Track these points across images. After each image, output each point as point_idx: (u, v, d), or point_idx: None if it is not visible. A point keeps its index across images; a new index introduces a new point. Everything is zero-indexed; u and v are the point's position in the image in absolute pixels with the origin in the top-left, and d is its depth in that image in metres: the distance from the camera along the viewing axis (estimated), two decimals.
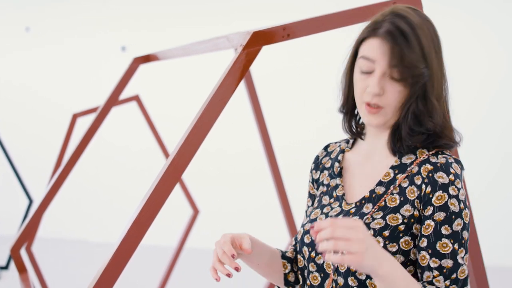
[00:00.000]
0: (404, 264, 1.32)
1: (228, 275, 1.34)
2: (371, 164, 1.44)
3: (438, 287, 1.27)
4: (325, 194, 1.50)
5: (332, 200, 1.47)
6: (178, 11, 7.36)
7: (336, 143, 1.59)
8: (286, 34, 1.58)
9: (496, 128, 6.29)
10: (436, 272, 1.27)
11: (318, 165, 1.58)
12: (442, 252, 1.27)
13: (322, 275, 1.40)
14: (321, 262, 1.41)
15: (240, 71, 1.50)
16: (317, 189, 1.55)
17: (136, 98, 4.23)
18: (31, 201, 5.98)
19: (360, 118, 1.49)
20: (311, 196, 1.59)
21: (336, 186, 1.47)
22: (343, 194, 1.45)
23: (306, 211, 1.60)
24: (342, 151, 1.52)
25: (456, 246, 1.28)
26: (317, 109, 6.67)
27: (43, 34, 7.89)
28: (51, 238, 7.51)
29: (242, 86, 2.83)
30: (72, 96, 7.71)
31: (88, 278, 4.99)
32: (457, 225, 1.28)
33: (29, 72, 7.97)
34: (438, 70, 1.36)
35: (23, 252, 4.28)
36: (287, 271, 1.54)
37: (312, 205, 1.58)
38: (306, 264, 1.45)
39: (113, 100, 2.61)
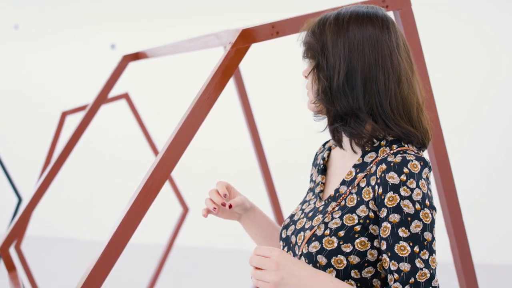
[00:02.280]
0: (361, 265, 1.30)
1: (215, 209, 1.65)
2: (343, 162, 1.45)
3: None
4: (310, 191, 1.53)
5: (313, 197, 1.49)
6: (169, 10, 7.33)
7: None
8: (275, 32, 1.58)
9: (496, 128, 6.27)
10: (396, 275, 1.24)
11: (314, 161, 1.60)
12: (400, 255, 1.24)
13: None
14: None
15: (229, 69, 1.50)
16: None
17: (125, 96, 4.21)
18: (20, 199, 5.95)
19: None
20: None
21: (318, 183, 1.49)
22: (320, 191, 1.47)
23: None
24: (329, 149, 1.55)
25: (416, 248, 1.23)
26: (307, 108, 6.66)
27: (32, 32, 7.84)
28: (41, 236, 7.48)
29: (231, 84, 2.82)
30: (62, 93, 7.67)
31: (78, 277, 4.97)
32: (415, 227, 1.24)
33: (17, 70, 7.92)
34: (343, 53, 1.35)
35: (12, 251, 4.26)
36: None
37: None
38: None
39: (102, 98, 2.60)
